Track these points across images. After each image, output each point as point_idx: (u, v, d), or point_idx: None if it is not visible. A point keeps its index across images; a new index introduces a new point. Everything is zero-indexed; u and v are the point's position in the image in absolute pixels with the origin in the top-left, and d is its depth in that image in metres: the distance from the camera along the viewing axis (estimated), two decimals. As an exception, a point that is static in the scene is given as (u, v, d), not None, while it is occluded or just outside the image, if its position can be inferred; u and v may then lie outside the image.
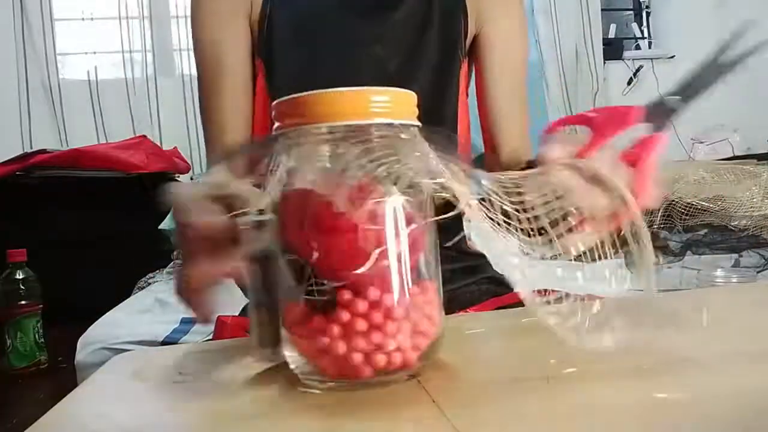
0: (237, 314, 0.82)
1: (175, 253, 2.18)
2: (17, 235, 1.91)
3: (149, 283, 1.98)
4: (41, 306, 1.71)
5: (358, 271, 0.37)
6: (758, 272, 1.51)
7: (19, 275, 1.68)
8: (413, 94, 0.41)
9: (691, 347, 0.44)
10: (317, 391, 0.39)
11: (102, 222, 2.14)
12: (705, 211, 1.64)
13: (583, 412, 0.33)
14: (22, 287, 1.68)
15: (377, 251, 0.37)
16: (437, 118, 0.81)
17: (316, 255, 0.37)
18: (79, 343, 1.43)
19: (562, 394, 0.36)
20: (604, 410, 0.33)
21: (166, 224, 2.22)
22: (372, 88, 0.39)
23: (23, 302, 1.67)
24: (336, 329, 0.37)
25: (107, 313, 1.59)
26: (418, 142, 0.39)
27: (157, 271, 2.08)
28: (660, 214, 1.64)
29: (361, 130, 0.38)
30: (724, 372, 0.39)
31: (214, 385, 0.44)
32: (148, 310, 1.64)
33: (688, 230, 1.68)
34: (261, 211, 0.41)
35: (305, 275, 0.38)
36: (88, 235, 2.10)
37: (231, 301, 1.07)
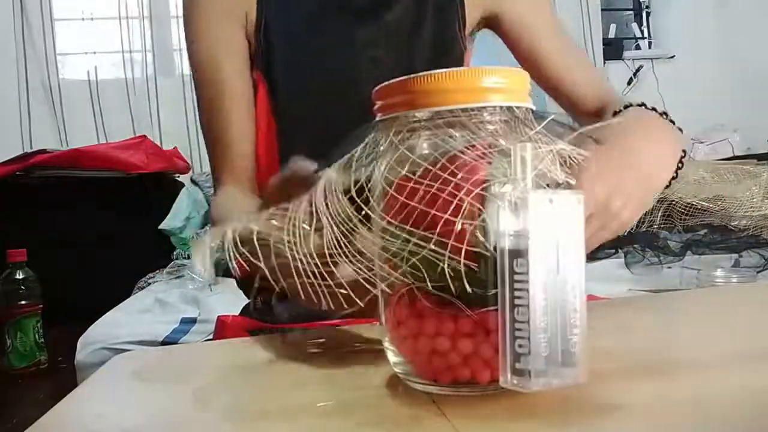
0: (237, 314, 0.82)
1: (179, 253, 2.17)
2: (17, 235, 1.92)
3: (149, 283, 1.98)
4: (41, 306, 1.71)
5: None
6: (758, 272, 1.51)
7: (19, 275, 1.69)
8: (526, 73, 0.37)
9: (691, 347, 0.44)
10: (434, 390, 0.35)
11: (102, 222, 2.14)
12: (705, 211, 1.64)
13: (585, 412, 0.33)
14: (22, 287, 1.68)
15: None
16: None
17: None
18: (79, 343, 1.43)
19: (563, 394, 0.36)
20: (605, 410, 0.33)
21: (166, 224, 2.22)
22: (484, 67, 0.35)
23: (23, 302, 1.67)
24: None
25: (107, 313, 1.59)
26: (534, 126, 0.35)
27: (157, 271, 2.08)
28: (660, 214, 1.64)
29: (474, 114, 0.34)
30: (725, 372, 0.39)
31: (215, 385, 0.44)
32: (148, 310, 1.64)
33: (688, 230, 1.68)
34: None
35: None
36: (88, 235, 2.10)
37: (232, 300, 1.08)
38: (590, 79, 0.81)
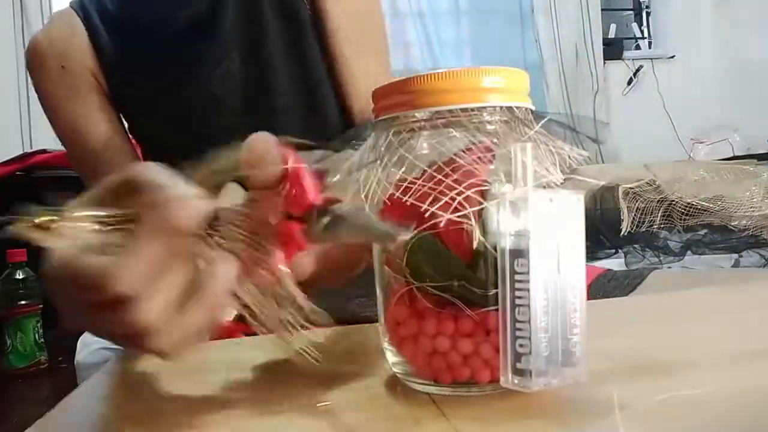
0: (232, 318, 0.82)
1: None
2: (17, 235, 1.91)
3: (149, 283, 1.98)
4: (41, 306, 1.71)
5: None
6: (758, 272, 1.51)
7: (19, 275, 1.69)
8: (525, 72, 0.37)
9: (691, 347, 0.44)
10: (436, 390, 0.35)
11: (102, 222, 2.14)
12: (705, 211, 1.64)
13: (585, 412, 0.33)
14: (22, 287, 1.68)
15: None
16: (312, 103, 0.75)
17: None
18: (79, 343, 1.43)
19: (563, 395, 0.36)
20: (605, 410, 0.33)
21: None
22: (484, 68, 0.34)
23: (23, 302, 1.67)
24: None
25: (107, 313, 1.59)
26: (530, 124, 0.35)
27: (157, 271, 2.08)
28: (660, 214, 1.64)
29: (473, 114, 0.34)
30: (725, 372, 0.39)
31: (214, 385, 0.44)
32: (148, 310, 1.64)
33: (688, 230, 1.68)
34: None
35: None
36: (88, 235, 2.10)
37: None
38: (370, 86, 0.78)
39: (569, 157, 0.35)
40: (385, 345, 0.38)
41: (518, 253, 0.31)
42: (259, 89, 0.74)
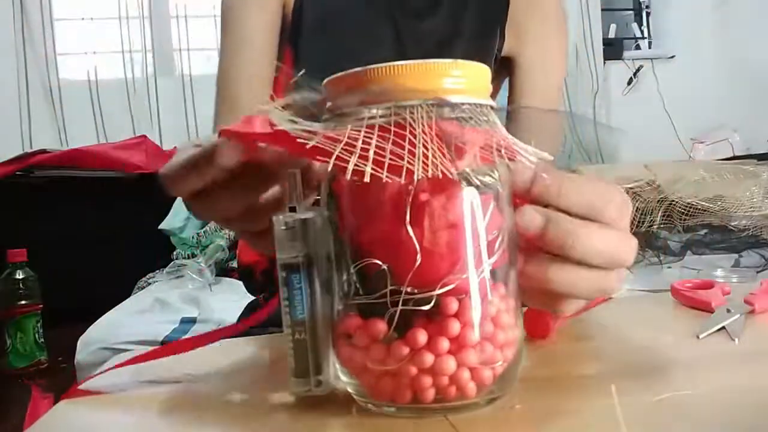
0: (239, 315, 0.82)
1: (175, 253, 2.17)
2: (17, 235, 1.91)
3: (149, 283, 1.98)
4: (41, 306, 1.71)
5: (469, 276, 0.32)
6: (758, 272, 1.51)
7: (19, 275, 1.69)
8: (486, 67, 0.35)
9: (689, 346, 0.44)
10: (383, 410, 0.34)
11: (102, 222, 2.14)
12: (705, 211, 1.64)
13: (584, 413, 0.33)
14: (22, 287, 1.68)
15: (498, 248, 0.33)
16: None
17: (419, 258, 0.31)
18: (79, 343, 1.43)
19: (562, 395, 0.36)
20: (604, 410, 0.33)
21: (166, 224, 2.22)
22: (439, 61, 0.33)
23: (23, 302, 1.67)
24: (445, 344, 0.32)
25: (107, 313, 1.60)
26: (493, 124, 0.34)
27: (157, 271, 2.08)
28: (660, 214, 1.64)
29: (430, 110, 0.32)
30: (723, 372, 0.39)
31: (214, 386, 0.44)
32: (148, 310, 1.64)
33: (688, 230, 1.68)
34: (293, 209, 0.35)
35: (383, 283, 0.32)
36: (88, 235, 2.10)
37: (232, 300, 1.08)
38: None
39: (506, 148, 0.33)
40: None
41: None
42: None
